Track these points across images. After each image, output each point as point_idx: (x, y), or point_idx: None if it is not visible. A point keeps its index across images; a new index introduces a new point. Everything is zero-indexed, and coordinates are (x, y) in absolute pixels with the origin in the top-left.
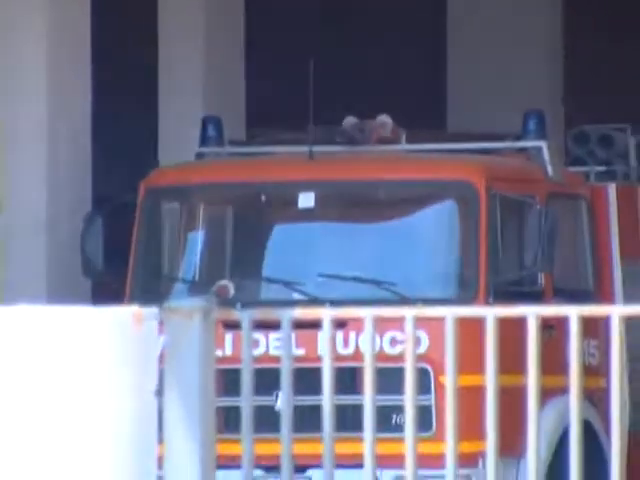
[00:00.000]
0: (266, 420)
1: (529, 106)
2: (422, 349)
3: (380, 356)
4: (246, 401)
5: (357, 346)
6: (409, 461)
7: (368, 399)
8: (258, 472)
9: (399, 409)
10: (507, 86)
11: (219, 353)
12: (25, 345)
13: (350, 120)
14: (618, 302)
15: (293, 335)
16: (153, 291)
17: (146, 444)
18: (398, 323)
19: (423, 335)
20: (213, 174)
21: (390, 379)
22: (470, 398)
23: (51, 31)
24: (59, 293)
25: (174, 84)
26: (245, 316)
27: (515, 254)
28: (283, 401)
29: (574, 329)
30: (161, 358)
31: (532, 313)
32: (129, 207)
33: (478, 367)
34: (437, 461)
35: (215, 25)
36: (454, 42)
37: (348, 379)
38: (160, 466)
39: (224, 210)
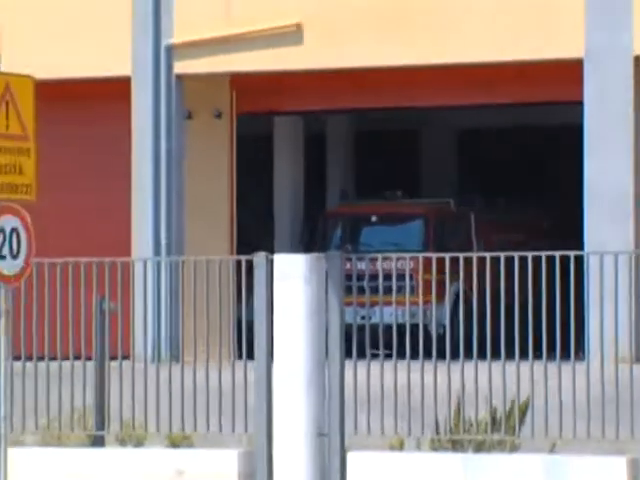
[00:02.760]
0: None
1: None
2: (411, 266)
3: (397, 270)
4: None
5: (390, 266)
6: (407, 305)
7: (394, 284)
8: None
9: (404, 287)
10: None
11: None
12: (284, 265)
13: (388, 192)
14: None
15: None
16: (324, 249)
17: (321, 300)
18: (403, 260)
19: (411, 263)
20: (346, 210)
21: (400, 277)
22: (427, 282)
23: None
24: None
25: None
26: (354, 258)
27: (444, 237)
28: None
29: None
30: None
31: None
32: (317, 222)
33: (429, 272)
34: (416, 305)
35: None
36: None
37: (387, 277)
38: None
39: (348, 223)
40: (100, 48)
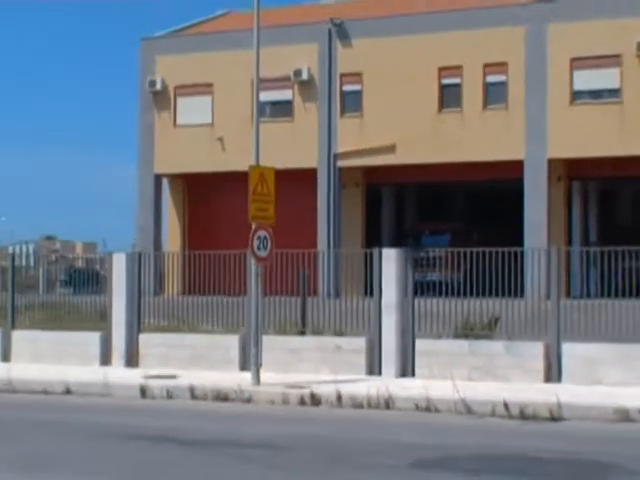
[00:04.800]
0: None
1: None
2: (444, 255)
3: (438, 256)
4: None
5: (434, 254)
6: (443, 272)
7: (437, 263)
8: None
9: (441, 264)
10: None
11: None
12: (386, 254)
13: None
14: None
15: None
16: (404, 246)
17: (403, 270)
18: (440, 252)
19: (444, 253)
20: (414, 228)
21: (439, 260)
22: (452, 262)
23: None
24: (391, 247)
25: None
26: (418, 251)
27: (458, 242)
28: (424, 262)
29: None
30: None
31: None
32: (400, 234)
33: (452, 257)
34: (447, 272)
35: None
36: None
37: (433, 260)
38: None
39: (415, 234)
40: (301, 151)
